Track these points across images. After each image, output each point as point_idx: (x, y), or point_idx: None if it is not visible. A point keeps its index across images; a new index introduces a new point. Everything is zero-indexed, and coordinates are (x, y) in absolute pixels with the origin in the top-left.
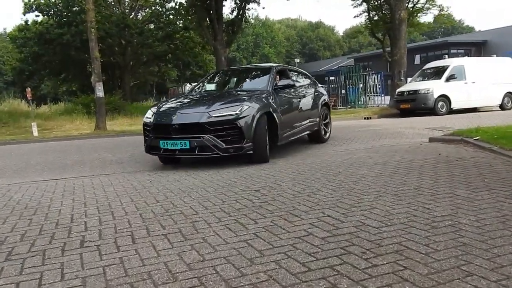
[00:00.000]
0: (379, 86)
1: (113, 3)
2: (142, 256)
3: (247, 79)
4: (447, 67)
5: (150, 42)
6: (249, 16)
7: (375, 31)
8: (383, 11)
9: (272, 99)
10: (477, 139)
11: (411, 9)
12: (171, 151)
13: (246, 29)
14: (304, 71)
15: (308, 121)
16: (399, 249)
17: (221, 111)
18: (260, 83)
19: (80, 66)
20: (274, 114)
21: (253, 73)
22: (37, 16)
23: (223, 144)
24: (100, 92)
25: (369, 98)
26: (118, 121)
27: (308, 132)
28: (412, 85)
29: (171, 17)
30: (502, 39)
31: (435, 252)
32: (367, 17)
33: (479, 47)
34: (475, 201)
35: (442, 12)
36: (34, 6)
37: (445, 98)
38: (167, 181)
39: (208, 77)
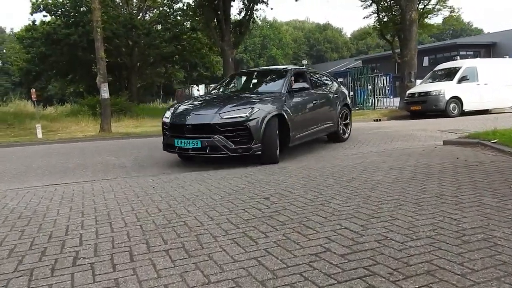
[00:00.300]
0: (388, 88)
1: (120, 3)
2: (140, 277)
3: (263, 82)
4: (459, 69)
5: (157, 43)
6: (257, 17)
7: (385, 32)
8: (393, 12)
9: (285, 102)
10: (495, 142)
11: (421, 10)
12: (185, 149)
13: (253, 30)
14: (325, 73)
15: (325, 122)
16: (431, 269)
17: (231, 113)
18: (276, 85)
19: (86, 66)
20: (286, 116)
21: (270, 76)
22: (44, 16)
23: (232, 145)
24: (105, 93)
25: (377, 100)
26: (124, 123)
27: (325, 133)
28: (423, 86)
29: (178, 18)
30: (510, 40)
31: (472, 272)
32: (376, 18)
33: (488, 48)
34: (505, 210)
35: (453, 14)
36: (41, 6)
37: (457, 99)
38: (171, 187)
39: (227, 80)
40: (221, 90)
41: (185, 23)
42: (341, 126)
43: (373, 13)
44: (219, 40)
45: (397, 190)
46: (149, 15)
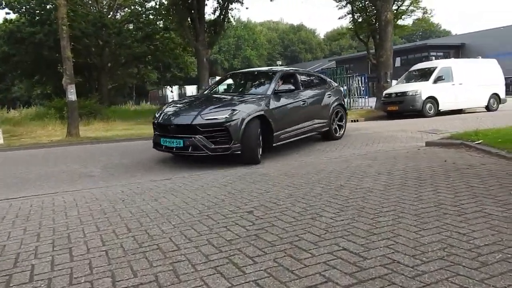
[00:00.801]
0: (363, 88)
1: (90, 1)
2: None
3: (252, 83)
4: (435, 69)
5: (129, 43)
6: (232, 16)
7: (359, 33)
8: (368, 13)
9: (269, 103)
10: (479, 143)
11: (395, 11)
12: (170, 148)
13: (228, 31)
14: (319, 74)
15: (314, 122)
16: None
17: (212, 115)
18: (262, 87)
19: (53, 67)
20: (268, 117)
21: (258, 78)
22: (7, 13)
23: (212, 145)
24: (72, 95)
25: (353, 101)
26: (93, 126)
27: (315, 133)
28: (399, 86)
29: (151, 17)
30: (479, 42)
31: None
32: (351, 18)
33: (458, 49)
34: None
35: (426, 15)
36: (4, 3)
37: (433, 99)
38: (142, 200)
39: (219, 81)
40: (212, 91)
41: (158, 23)
42: (335, 125)
43: (348, 13)
44: (193, 40)
45: (391, 199)
46: (120, 14)
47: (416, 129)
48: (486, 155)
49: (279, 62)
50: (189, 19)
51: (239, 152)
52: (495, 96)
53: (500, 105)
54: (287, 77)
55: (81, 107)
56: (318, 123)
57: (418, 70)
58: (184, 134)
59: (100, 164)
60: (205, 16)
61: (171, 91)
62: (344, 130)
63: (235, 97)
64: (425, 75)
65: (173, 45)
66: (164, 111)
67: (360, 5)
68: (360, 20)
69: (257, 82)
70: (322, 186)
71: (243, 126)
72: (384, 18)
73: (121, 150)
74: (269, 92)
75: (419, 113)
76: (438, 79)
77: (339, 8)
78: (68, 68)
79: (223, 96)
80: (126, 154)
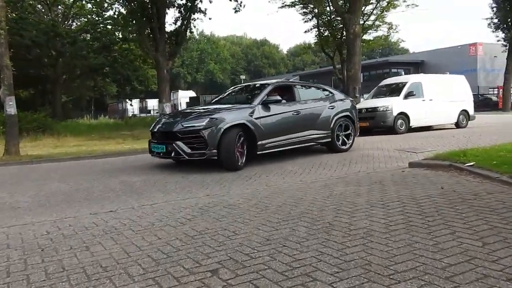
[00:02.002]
0: None
1: (43, 10)
2: None
3: (245, 95)
4: (405, 84)
5: (85, 53)
6: (194, 26)
7: (325, 47)
8: (333, 27)
9: (253, 113)
10: (472, 165)
11: (361, 25)
12: (158, 153)
13: (191, 44)
14: (324, 86)
15: (310, 132)
16: None
17: (191, 122)
18: (251, 98)
19: None
20: (250, 126)
21: (253, 90)
22: None
23: (189, 150)
24: (11, 108)
25: None
26: (42, 143)
27: (313, 143)
28: (370, 102)
29: (108, 27)
30: (436, 60)
31: None
32: (317, 33)
33: (417, 66)
34: None
35: (391, 30)
36: None
37: (404, 116)
38: (69, 249)
39: (224, 93)
40: (211, 102)
41: (116, 33)
42: (341, 137)
43: (314, 27)
44: (152, 50)
45: (403, 249)
46: (76, 24)
47: (391, 146)
48: (486, 180)
49: (243, 77)
50: (148, 29)
51: (215, 157)
52: (464, 112)
53: (469, 122)
54: (283, 89)
55: (29, 121)
56: (316, 134)
57: (387, 85)
58: (167, 140)
59: (32, 190)
60: (165, 25)
61: (131, 105)
62: (352, 143)
63: (221, 108)
64: (395, 90)
65: (133, 56)
66: (158, 120)
67: (326, 20)
68: (326, 33)
69: (249, 93)
70: (305, 226)
71: (219, 134)
72: (352, 31)
73: (64, 171)
74: (255, 103)
75: (390, 130)
76: (409, 94)
77: (305, 21)
78: (7, 78)
79: (211, 107)
80: (68, 176)
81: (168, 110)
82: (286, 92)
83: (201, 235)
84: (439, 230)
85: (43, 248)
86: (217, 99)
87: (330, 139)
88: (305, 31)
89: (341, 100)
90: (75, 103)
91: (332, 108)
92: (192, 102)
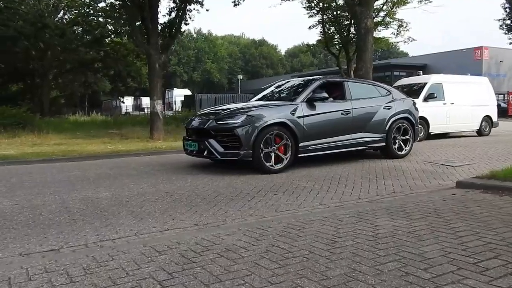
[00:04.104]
0: None
1: (32, 1)
2: None
3: (290, 91)
4: (425, 85)
5: (74, 47)
6: (190, 18)
7: (330, 45)
8: (340, 22)
9: (295, 111)
10: None
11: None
12: (191, 152)
13: (188, 43)
14: (380, 84)
15: (362, 135)
16: None
17: (225, 119)
18: (294, 95)
19: None
20: (291, 125)
21: (298, 86)
22: None
23: (222, 149)
24: None
25: None
26: (19, 140)
27: (364, 147)
28: None
29: (100, 19)
30: (440, 63)
31: None
32: (321, 30)
33: (420, 70)
34: None
35: (402, 28)
36: None
37: (423, 121)
38: None
39: (267, 88)
40: (254, 98)
41: (107, 26)
42: (398, 142)
43: (319, 22)
44: (143, 42)
45: None
46: (68, 16)
47: (418, 157)
48: None
49: (240, 77)
50: (140, 19)
51: (250, 159)
52: (488, 118)
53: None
54: (332, 86)
55: (7, 116)
56: (369, 138)
57: (403, 85)
58: (200, 138)
59: None
60: (158, 16)
61: (123, 102)
62: (410, 149)
63: (259, 105)
64: (412, 92)
65: (126, 51)
66: (192, 117)
67: (332, 15)
68: (331, 30)
69: (294, 89)
70: None
71: (255, 132)
72: (364, 25)
73: (21, 178)
74: (299, 100)
75: None
76: (429, 97)
77: (310, 16)
78: None
79: (250, 103)
80: (20, 187)
81: (159, 107)
82: (335, 89)
83: None
84: None
85: None
86: (259, 96)
87: (384, 143)
88: (309, 27)
89: (401, 99)
90: (68, 99)
91: (389, 109)
92: (187, 100)
